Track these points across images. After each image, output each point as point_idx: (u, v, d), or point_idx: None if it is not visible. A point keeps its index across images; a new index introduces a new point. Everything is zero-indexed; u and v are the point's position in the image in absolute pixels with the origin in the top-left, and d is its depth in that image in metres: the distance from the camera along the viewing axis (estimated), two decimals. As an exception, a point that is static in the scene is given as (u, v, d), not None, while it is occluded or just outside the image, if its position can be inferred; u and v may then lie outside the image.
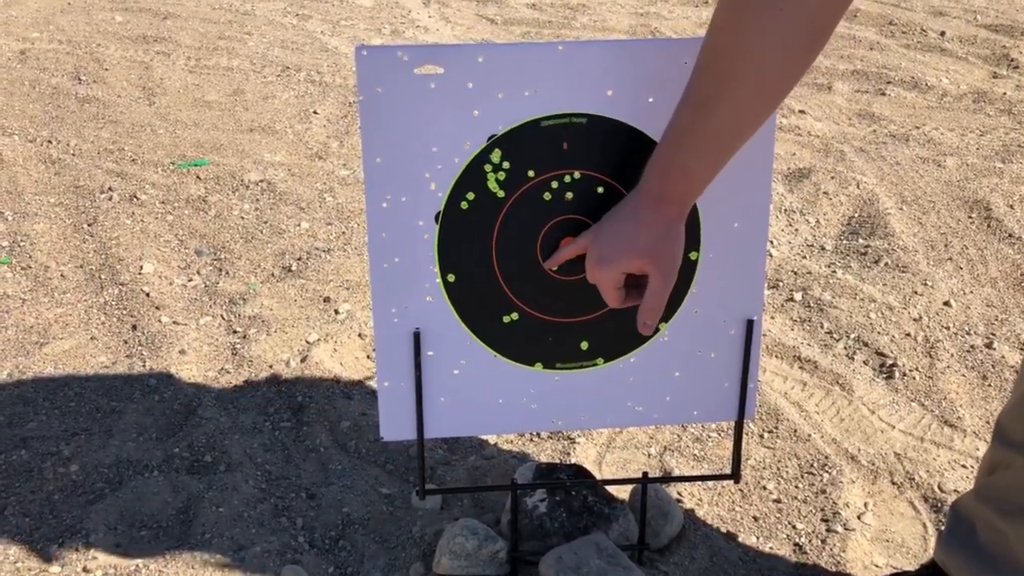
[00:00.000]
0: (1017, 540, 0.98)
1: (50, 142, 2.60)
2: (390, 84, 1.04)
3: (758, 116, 0.89)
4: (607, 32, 3.71)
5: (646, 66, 1.06)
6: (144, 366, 1.74)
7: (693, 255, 1.14)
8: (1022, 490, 0.99)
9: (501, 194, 1.09)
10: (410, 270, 1.12)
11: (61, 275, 2.01)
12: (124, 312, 1.90)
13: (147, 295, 1.94)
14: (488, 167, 1.08)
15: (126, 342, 1.81)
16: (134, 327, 1.85)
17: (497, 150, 1.07)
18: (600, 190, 1.10)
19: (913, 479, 1.52)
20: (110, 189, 2.35)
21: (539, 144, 1.08)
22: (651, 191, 0.95)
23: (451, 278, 1.12)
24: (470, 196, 1.09)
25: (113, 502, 1.41)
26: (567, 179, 1.10)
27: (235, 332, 1.85)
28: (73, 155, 2.53)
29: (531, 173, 1.09)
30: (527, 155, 1.08)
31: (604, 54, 1.06)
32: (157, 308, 1.91)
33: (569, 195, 1.10)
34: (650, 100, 1.07)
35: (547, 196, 1.10)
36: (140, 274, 2.02)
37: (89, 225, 2.20)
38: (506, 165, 1.08)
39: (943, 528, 1.11)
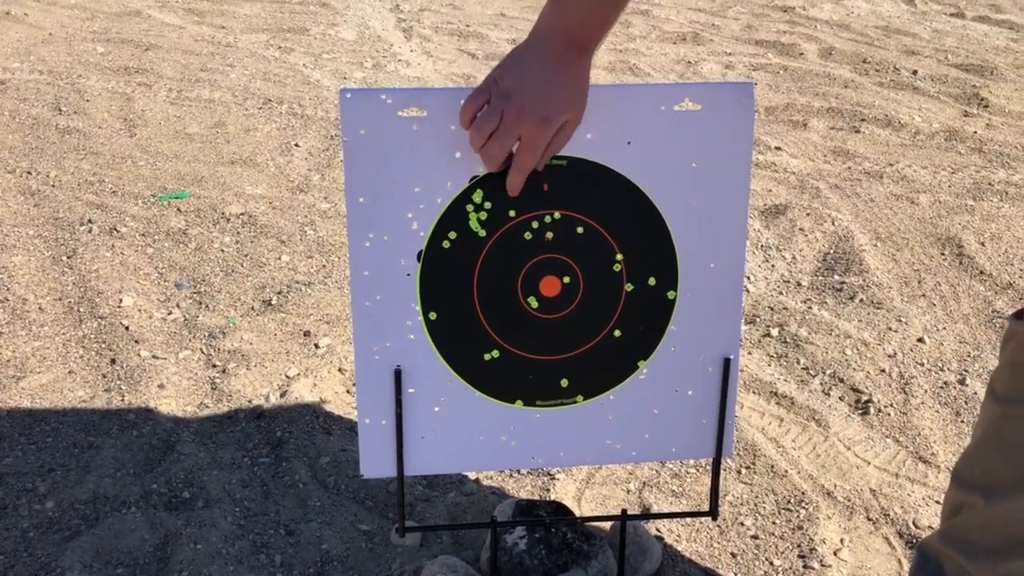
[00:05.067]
0: None
1: (29, 173, 2.59)
2: (374, 126, 1.06)
3: None
4: (587, 68, 3.75)
5: (625, 110, 1.08)
6: (122, 400, 1.73)
7: (671, 294, 1.16)
8: (985, 531, 1.00)
9: (483, 233, 1.11)
10: (392, 308, 1.12)
11: (39, 308, 2.00)
12: (103, 346, 1.89)
13: (126, 328, 1.94)
14: (470, 207, 1.10)
15: (104, 376, 1.80)
16: (113, 361, 1.84)
17: (479, 190, 1.09)
18: (580, 230, 1.12)
19: (888, 515, 1.54)
20: (90, 221, 2.35)
21: (520, 185, 1.09)
22: (572, 39, 0.99)
23: (433, 316, 1.13)
24: (452, 235, 1.10)
25: (89, 539, 1.40)
26: (547, 219, 1.11)
27: (214, 366, 1.84)
28: (53, 186, 2.53)
29: (512, 213, 1.10)
30: (509, 196, 1.09)
31: (584, 98, 1.08)
32: (136, 342, 1.90)
33: (549, 235, 1.12)
34: (628, 143, 1.09)
35: (528, 235, 1.12)
36: (119, 307, 2.01)
37: (68, 257, 2.19)
38: (488, 205, 1.10)
39: (910, 568, 1.12)
